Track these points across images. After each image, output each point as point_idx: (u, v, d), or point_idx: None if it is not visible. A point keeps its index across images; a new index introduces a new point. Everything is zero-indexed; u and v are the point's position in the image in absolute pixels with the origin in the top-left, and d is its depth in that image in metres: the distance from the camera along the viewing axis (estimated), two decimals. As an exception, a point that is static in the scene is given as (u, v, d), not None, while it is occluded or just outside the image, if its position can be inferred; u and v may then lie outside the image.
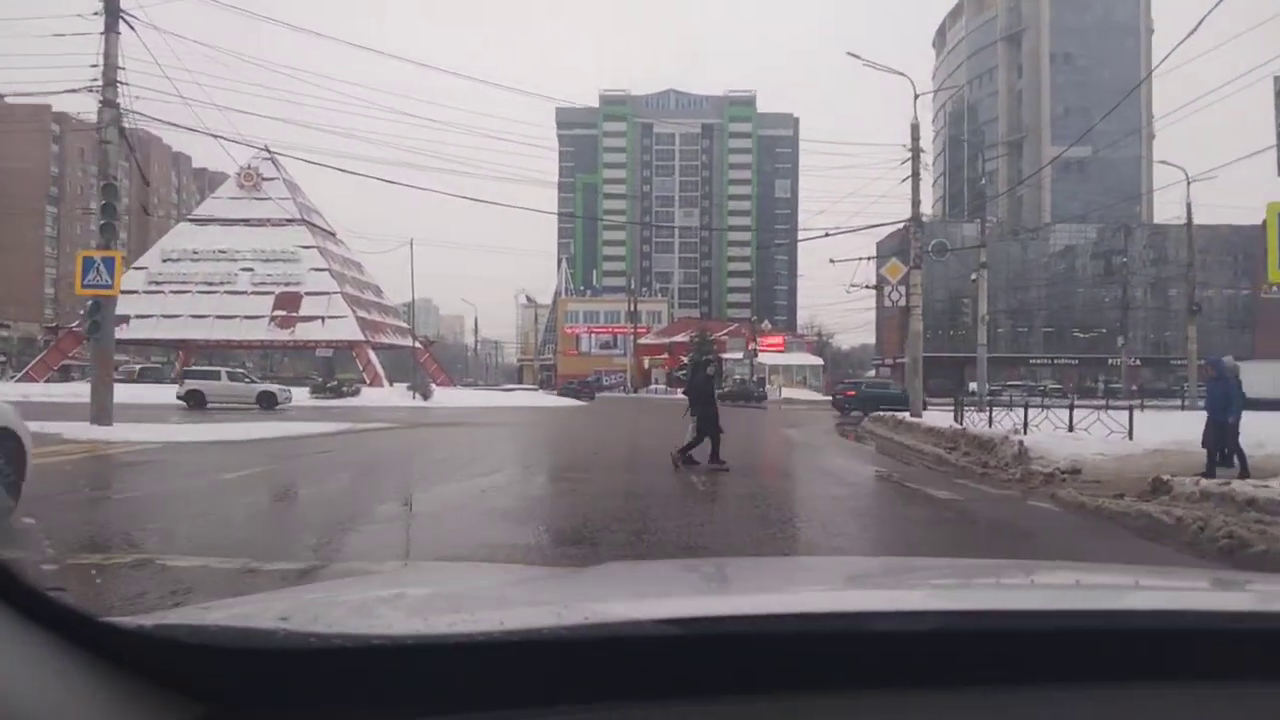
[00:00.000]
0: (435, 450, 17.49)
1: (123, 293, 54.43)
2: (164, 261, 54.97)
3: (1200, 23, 13.20)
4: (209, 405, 32.63)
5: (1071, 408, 17.85)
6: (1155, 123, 77.04)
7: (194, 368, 39.41)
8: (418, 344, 54.63)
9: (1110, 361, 75.14)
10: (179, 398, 33.62)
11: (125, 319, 48.37)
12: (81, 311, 17.28)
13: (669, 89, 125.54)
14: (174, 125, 18.97)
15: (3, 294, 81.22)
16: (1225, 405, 12.00)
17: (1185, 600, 1.61)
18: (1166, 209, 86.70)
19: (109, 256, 17.02)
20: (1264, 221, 9.46)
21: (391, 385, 49.92)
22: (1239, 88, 19.18)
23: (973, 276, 35.51)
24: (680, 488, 11.39)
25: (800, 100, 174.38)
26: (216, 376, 35.53)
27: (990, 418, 20.36)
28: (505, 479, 12.32)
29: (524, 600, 1.56)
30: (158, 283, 53.50)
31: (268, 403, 33.59)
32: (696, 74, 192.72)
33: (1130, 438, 14.99)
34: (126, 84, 16.98)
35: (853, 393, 41.08)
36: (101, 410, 17.35)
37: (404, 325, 60.36)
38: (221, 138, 21.64)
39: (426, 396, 43.02)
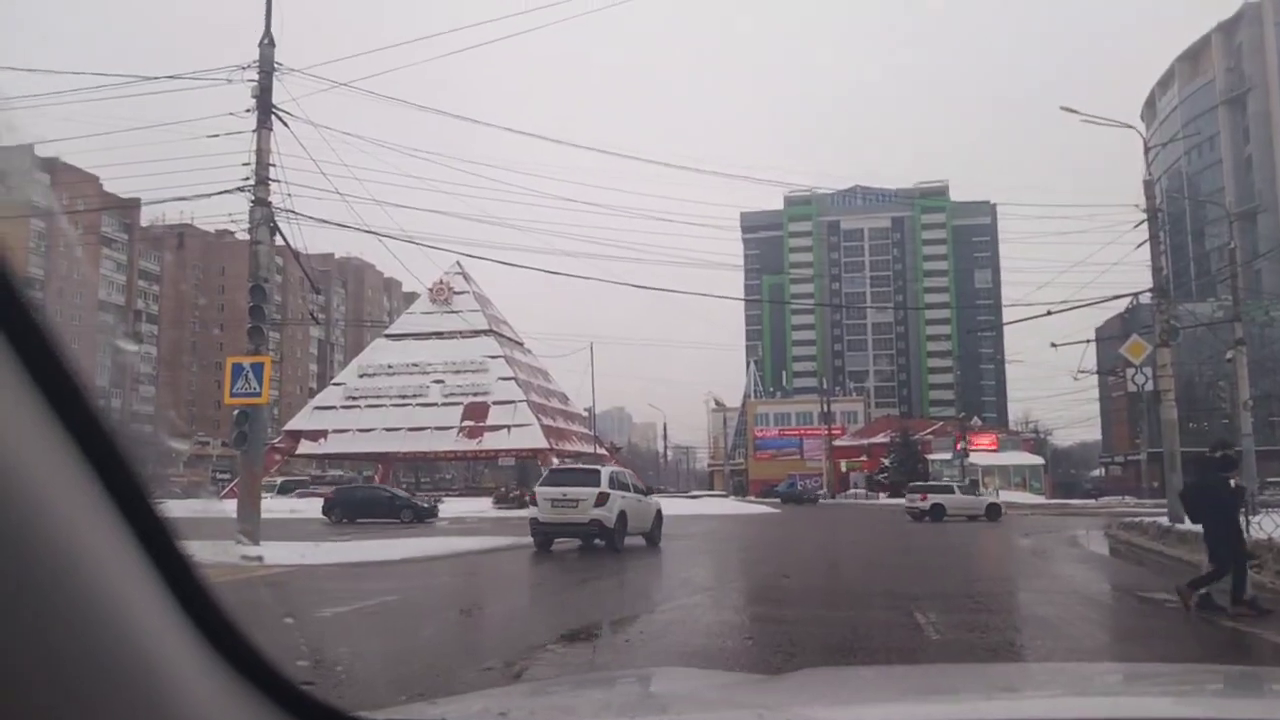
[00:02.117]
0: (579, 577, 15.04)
1: (321, 408, 57.24)
2: (360, 377, 56.80)
3: None
4: (358, 520, 31.41)
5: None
6: None
7: (343, 483, 39.82)
8: (603, 450, 53.21)
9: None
10: (323, 511, 32.73)
11: (323, 433, 49.70)
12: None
13: (856, 185, 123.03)
14: (324, 222, 17.75)
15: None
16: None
17: None
18: None
19: (258, 362, 15.92)
20: None
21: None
22: None
23: (1228, 355, 30.41)
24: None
25: (1001, 184, 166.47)
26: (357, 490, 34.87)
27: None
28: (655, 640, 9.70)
29: (727, 703, 1.50)
30: (354, 398, 55.16)
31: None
32: (886, 167, 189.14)
33: None
34: (278, 181, 16.21)
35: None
36: (249, 527, 16.06)
37: (589, 433, 59.34)
38: (400, 239, 20.54)
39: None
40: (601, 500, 17.46)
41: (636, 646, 7.90)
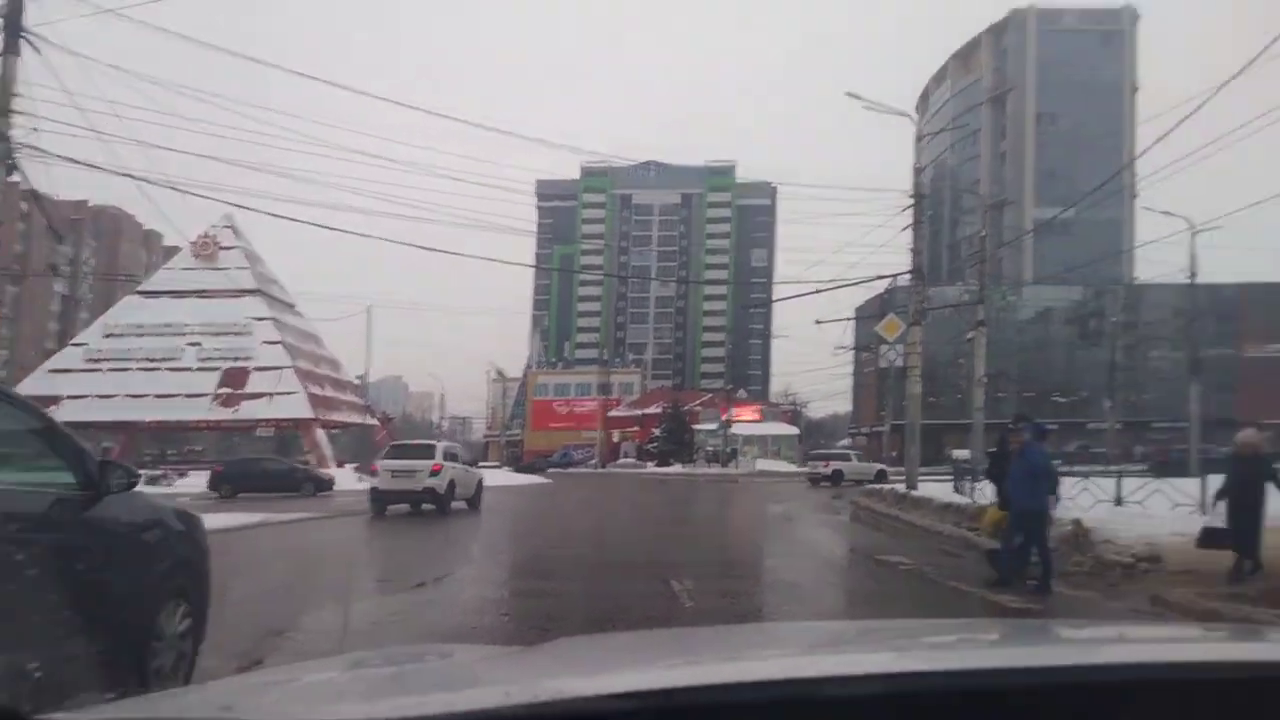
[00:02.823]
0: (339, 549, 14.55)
1: (58, 371, 51.65)
2: (106, 337, 51.57)
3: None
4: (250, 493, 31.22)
5: (1120, 475, 15.12)
6: (1139, 182, 76.41)
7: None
8: (375, 421, 51.35)
9: (1089, 426, 72.92)
10: (209, 486, 32.69)
11: (57, 399, 44.96)
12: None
13: (650, 160, 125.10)
14: (74, 162, 15.66)
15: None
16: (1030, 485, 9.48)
17: (1140, 653, 1.57)
18: (1145, 269, 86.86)
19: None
20: None
21: (343, 467, 46.52)
22: (1219, 148, 17.67)
23: (969, 335, 33.14)
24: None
25: (785, 163, 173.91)
26: None
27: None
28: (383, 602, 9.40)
29: (474, 681, 1.50)
30: (95, 360, 50.05)
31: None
32: (681, 141, 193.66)
33: (1204, 511, 12.26)
34: (22, 113, 14.27)
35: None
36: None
37: (361, 402, 57.06)
38: (161, 184, 18.47)
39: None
40: (435, 471, 20.39)
41: (387, 626, 7.59)
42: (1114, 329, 63.77)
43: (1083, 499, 14.48)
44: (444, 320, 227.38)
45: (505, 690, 1.05)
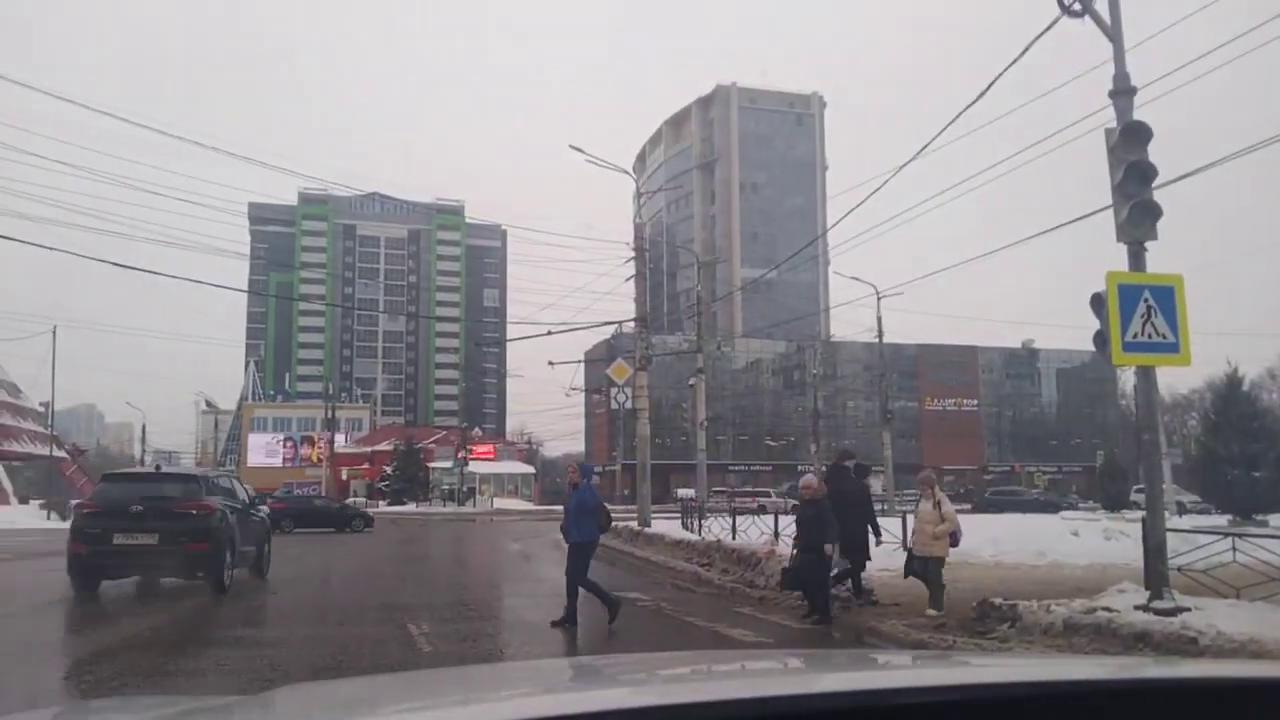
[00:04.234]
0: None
1: None
2: None
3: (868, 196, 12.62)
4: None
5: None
6: (830, 250, 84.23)
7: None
8: (63, 453, 45.72)
9: (799, 467, 79.11)
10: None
11: None
12: None
13: (374, 192, 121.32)
14: None
15: None
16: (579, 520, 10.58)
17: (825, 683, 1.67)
18: (839, 327, 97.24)
19: None
20: (1096, 295, 8.22)
21: (26, 503, 41.02)
22: (897, 223, 20.19)
23: (690, 381, 35.04)
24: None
25: (514, 206, 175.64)
26: None
27: (734, 527, 18.55)
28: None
29: None
30: None
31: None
32: (405, 174, 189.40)
33: (905, 547, 13.60)
34: None
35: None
36: None
37: (45, 432, 50.72)
38: None
39: (65, 517, 35.33)
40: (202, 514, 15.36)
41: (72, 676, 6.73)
42: (815, 380, 69.79)
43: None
44: (144, 346, 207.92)
45: None
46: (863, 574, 11.08)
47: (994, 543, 15.28)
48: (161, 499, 12.62)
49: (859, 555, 11.02)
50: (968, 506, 41.97)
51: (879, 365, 44.91)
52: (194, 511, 12.44)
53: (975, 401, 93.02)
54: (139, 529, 12.20)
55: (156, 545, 12.11)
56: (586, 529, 10.36)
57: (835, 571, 10.74)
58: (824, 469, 12.67)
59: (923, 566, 10.00)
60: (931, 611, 9.64)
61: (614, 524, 26.46)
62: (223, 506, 13.14)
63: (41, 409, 51.41)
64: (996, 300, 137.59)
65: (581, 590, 9.84)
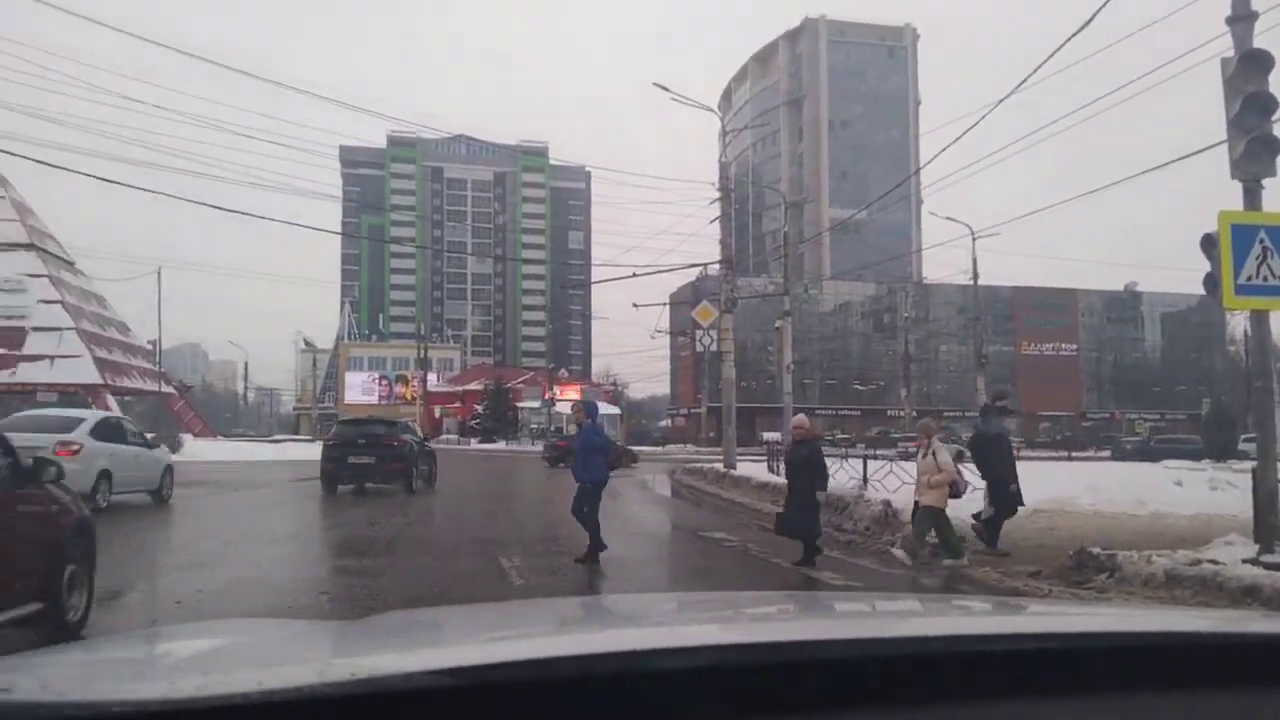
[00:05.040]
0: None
1: None
2: None
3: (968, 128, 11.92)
4: None
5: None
6: (924, 189, 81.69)
7: None
8: (171, 389, 47.95)
9: (889, 412, 78.01)
10: None
11: None
12: None
13: (460, 135, 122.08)
14: None
15: None
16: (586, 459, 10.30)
17: (948, 626, 1.63)
18: (931, 269, 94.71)
19: None
20: (1207, 236, 7.76)
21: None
22: (994, 160, 19.42)
23: (776, 323, 34.54)
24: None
25: (597, 148, 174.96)
26: None
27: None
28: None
29: (288, 658, 1.41)
30: None
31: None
32: (491, 120, 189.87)
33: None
34: None
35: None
36: None
37: (154, 369, 53.17)
38: None
39: (175, 450, 37.10)
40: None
41: (191, 608, 7.08)
42: (906, 323, 68.19)
43: (889, 481, 15.40)
44: (246, 286, 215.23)
45: (320, 668, 1.00)
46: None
47: (1092, 490, 14.82)
48: (375, 435, 20.14)
49: (1011, 500, 10.61)
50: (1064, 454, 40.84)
51: (974, 308, 43.57)
52: (394, 444, 19.88)
53: (1074, 346, 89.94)
54: (362, 453, 19.34)
55: (373, 464, 19.25)
56: (596, 468, 10.18)
57: (985, 515, 10.60)
58: (982, 410, 12.30)
59: (920, 518, 9.80)
60: (949, 561, 9.49)
61: (699, 466, 26.62)
62: (411, 440, 21.10)
63: (149, 347, 53.83)
64: (1099, 242, 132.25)
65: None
